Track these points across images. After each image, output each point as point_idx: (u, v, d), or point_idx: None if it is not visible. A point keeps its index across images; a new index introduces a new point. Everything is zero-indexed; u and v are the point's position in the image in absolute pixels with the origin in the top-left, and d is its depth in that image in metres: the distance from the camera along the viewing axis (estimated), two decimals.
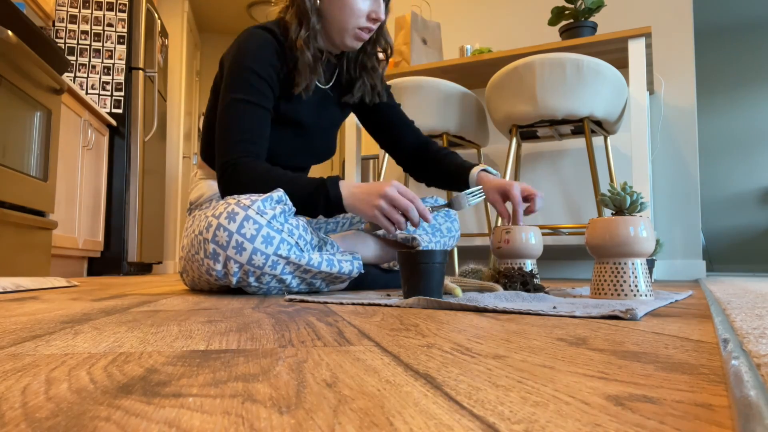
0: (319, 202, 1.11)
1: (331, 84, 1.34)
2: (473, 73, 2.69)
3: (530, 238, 1.16)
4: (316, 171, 3.90)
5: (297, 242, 1.08)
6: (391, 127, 1.45)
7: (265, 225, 1.04)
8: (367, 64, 1.33)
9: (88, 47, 3.23)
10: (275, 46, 1.19)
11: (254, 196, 1.08)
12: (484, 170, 1.31)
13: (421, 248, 1.35)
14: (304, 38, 1.17)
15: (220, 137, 1.16)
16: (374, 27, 1.21)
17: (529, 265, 1.17)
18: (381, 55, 1.36)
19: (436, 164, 1.41)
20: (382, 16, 1.20)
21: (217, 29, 5.38)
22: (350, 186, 1.11)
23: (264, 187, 1.10)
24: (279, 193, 1.12)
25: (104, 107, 3.20)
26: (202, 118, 5.42)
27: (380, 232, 1.36)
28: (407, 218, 1.09)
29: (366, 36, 1.22)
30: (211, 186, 1.29)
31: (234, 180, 1.13)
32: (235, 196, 1.14)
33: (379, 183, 1.10)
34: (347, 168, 2.87)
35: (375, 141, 1.50)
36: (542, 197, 1.20)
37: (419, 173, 1.46)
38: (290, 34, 1.19)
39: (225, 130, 1.15)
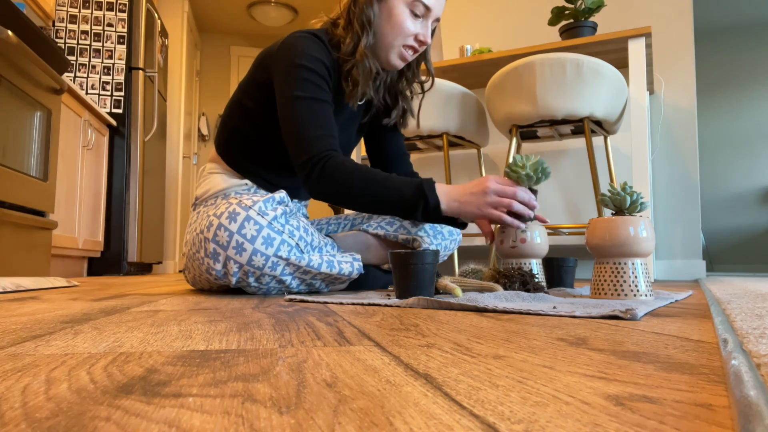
0: (417, 209, 1.08)
1: (361, 103, 1.35)
2: (473, 73, 2.68)
3: (535, 237, 1.16)
4: None
5: (297, 243, 1.08)
6: (388, 153, 1.48)
7: (266, 226, 1.04)
8: (405, 91, 1.37)
9: (88, 47, 3.23)
10: (327, 52, 1.19)
11: (256, 197, 1.08)
12: None
13: (422, 249, 1.35)
14: (365, 46, 1.19)
15: (295, 136, 1.13)
16: (419, 48, 1.25)
17: (535, 265, 1.16)
18: (424, 81, 1.39)
19: None
20: (428, 40, 1.24)
21: (217, 29, 5.38)
22: (447, 191, 1.09)
23: (364, 187, 1.08)
24: (281, 194, 1.12)
25: (104, 107, 3.20)
26: (202, 117, 5.41)
27: (381, 232, 1.36)
28: (513, 212, 1.08)
29: (409, 56, 1.25)
30: (221, 181, 1.28)
31: (327, 178, 1.09)
32: (237, 195, 1.14)
33: (476, 182, 1.09)
34: None
35: (368, 158, 1.52)
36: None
37: None
38: (344, 47, 1.20)
39: (299, 127, 1.12)
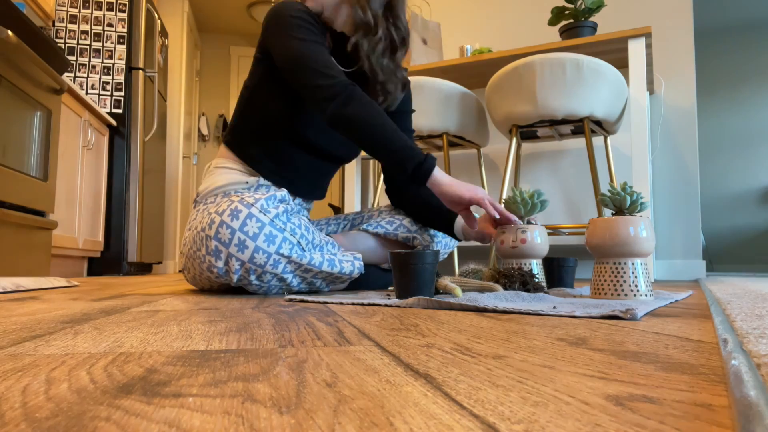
0: (413, 159, 1.12)
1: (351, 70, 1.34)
2: (473, 73, 2.69)
3: (535, 237, 1.15)
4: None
5: (299, 241, 1.08)
6: None
7: (268, 223, 1.04)
8: (389, 69, 1.30)
9: (88, 47, 3.23)
10: (310, 15, 1.22)
11: (257, 194, 1.08)
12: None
13: (421, 248, 1.35)
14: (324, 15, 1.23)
15: (307, 68, 1.13)
16: None
17: (535, 265, 1.16)
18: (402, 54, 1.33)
19: (426, 197, 1.38)
20: None
21: (217, 29, 5.38)
22: (445, 174, 1.16)
23: (384, 122, 1.12)
24: (282, 192, 1.12)
25: (104, 107, 3.20)
26: (202, 117, 5.41)
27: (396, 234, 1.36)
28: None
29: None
30: (223, 178, 1.27)
31: (358, 99, 1.12)
32: (239, 193, 1.14)
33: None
34: (347, 168, 2.87)
35: None
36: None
37: (402, 193, 1.43)
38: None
39: (310, 60, 1.14)
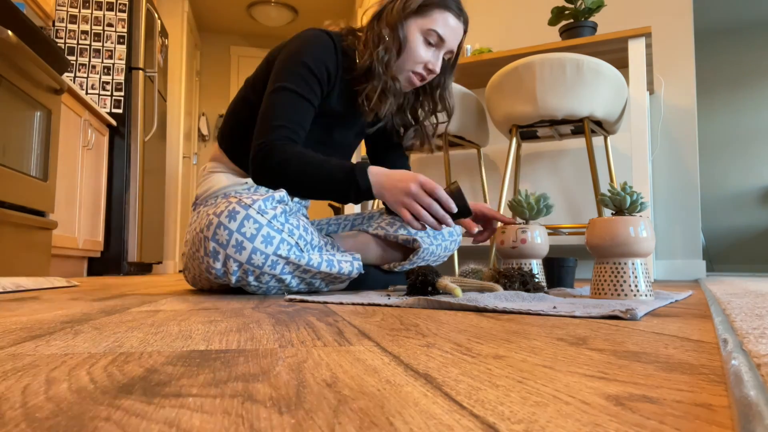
0: (350, 191, 1.11)
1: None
2: (473, 73, 2.68)
3: (535, 237, 1.15)
4: None
5: (297, 242, 1.08)
6: (388, 153, 1.50)
7: (266, 224, 1.04)
8: (423, 120, 1.41)
9: (88, 47, 3.23)
10: (334, 55, 1.21)
11: (256, 195, 1.08)
12: None
13: (421, 249, 1.35)
14: (388, 64, 1.21)
15: (260, 121, 1.16)
16: (426, 76, 1.26)
17: (535, 265, 1.16)
18: (441, 117, 1.43)
19: None
20: (437, 70, 1.26)
21: (217, 29, 5.39)
22: (379, 174, 1.12)
23: (296, 169, 1.11)
24: (281, 193, 1.12)
25: (104, 107, 3.20)
26: (202, 117, 5.41)
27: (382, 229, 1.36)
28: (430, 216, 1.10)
29: (417, 82, 1.27)
30: (221, 180, 1.28)
31: (266, 161, 1.12)
32: (237, 194, 1.14)
33: (407, 177, 1.11)
34: None
35: (366, 151, 1.53)
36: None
37: None
38: (360, 62, 1.22)
39: (267, 114, 1.15)
